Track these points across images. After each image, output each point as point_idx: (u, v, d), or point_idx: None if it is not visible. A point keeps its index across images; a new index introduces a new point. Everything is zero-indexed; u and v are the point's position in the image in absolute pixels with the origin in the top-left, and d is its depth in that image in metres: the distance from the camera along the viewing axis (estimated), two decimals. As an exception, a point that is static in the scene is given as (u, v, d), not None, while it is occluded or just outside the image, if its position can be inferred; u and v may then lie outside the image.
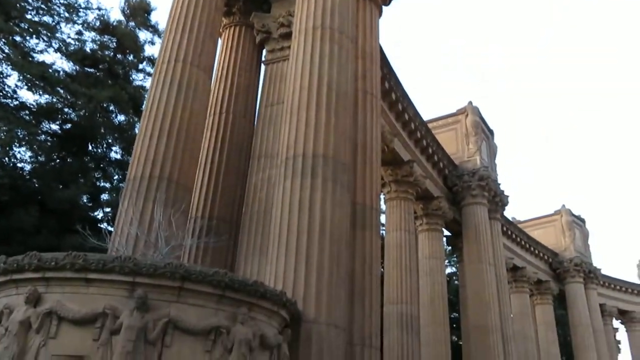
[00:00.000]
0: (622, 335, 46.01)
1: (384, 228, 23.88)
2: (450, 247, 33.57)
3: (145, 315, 6.90)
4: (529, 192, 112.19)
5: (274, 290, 8.43)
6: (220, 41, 16.75)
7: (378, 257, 13.64)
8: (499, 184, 28.41)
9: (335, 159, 11.18)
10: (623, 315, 43.07)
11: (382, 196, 22.91)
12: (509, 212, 35.80)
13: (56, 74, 25.75)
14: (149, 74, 29.56)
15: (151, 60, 30.09)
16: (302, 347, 9.21)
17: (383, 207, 23.44)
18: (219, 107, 15.83)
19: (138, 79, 30.48)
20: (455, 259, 37.36)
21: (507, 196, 28.91)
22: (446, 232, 28.03)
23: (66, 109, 26.46)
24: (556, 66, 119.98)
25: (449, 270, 43.33)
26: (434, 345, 23.22)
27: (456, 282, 38.00)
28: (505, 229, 31.38)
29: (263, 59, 16.40)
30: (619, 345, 46.67)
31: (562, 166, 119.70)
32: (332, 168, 11.04)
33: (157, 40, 30.76)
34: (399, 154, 21.94)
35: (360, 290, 12.35)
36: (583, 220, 41.45)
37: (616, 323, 44.50)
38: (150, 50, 32.88)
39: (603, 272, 40.31)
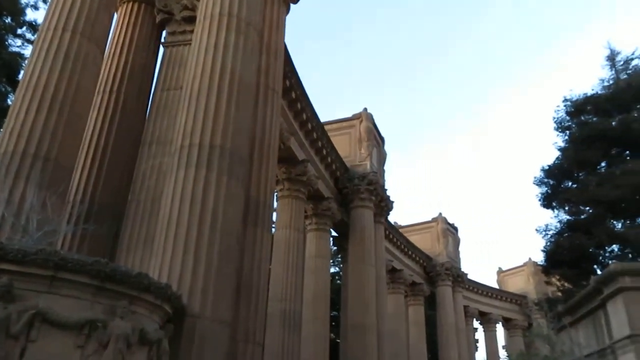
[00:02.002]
0: (480, 334, 50.91)
1: (274, 225, 23.89)
2: (336, 247, 34.57)
3: (8, 306, 6.22)
4: (410, 198, 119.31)
5: (158, 283, 8.03)
6: (116, 16, 15.66)
7: (268, 254, 13.62)
8: (386, 190, 29.87)
9: (232, 152, 10.94)
10: (482, 316, 47.59)
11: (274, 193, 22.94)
12: (392, 217, 37.73)
13: None
14: (30, 41, 26.63)
15: (33, 26, 27.10)
16: (184, 342, 8.89)
17: (275, 204, 23.48)
18: (110, 86, 14.84)
19: (15, 44, 27.26)
20: (339, 259, 38.50)
21: (392, 202, 30.49)
22: (333, 233, 28.82)
23: None
24: (449, 79, 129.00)
25: (332, 270, 44.54)
26: (314, 342, 23.71)
27: (338, 281, 39.20)
28: (387, 232, 33.07)
29: (162, 40, 15.62)
30: (477, 343, 51.59)
31: (441, 176, 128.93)
32: (228, 160, 10.79)
33: (41, 5, 27.74)
34: (295, 153, 22.15)
35: (248, 287, 12.22)
36: (456, 229, 45.11)
37: (475, 324, 49.00)
38: (33, 15, 29.86)
39: (469, 277, 44.15)
